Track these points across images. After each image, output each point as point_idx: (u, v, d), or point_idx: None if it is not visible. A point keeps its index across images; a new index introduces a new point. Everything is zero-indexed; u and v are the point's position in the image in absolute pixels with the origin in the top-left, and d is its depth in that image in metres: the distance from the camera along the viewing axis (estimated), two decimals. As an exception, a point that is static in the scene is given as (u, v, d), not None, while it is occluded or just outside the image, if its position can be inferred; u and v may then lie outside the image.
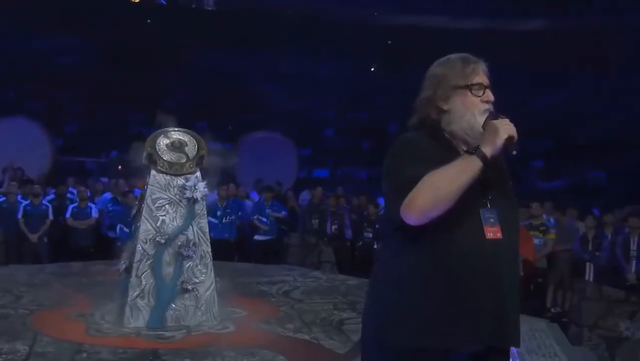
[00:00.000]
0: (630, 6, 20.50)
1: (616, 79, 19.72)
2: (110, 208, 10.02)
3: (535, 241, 9.03)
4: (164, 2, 26.21)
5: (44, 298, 6.05)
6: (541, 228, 9.31)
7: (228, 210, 10.23)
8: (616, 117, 18.19)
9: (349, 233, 10.52)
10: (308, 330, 5.28)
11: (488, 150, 1.95)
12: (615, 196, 13.23)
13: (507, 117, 2.02)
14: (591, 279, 8.68)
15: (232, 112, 20.52)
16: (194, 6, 26.67)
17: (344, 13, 24.53)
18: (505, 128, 1.97)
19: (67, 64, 21.44)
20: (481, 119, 2.06)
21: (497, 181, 2.08)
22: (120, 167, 13.25)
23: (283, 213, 10.59)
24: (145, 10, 25.64)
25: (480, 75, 2.12)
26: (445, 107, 2.12)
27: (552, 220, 9.92)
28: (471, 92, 2.09)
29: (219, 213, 10.13)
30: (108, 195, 10.67)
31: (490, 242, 2.00)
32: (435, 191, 1.93)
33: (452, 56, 2.20)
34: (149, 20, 24.99)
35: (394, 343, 2.04)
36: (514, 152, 1.99)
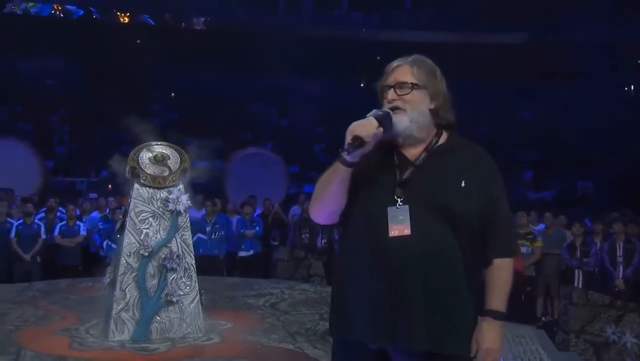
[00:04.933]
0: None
1: (597, 90, 19.96)
2: (100, 227, 10.04)
3: (523, 249, 9.09)
4: (153, 23, 26.35)
5: (30, 315, 6.04)
6: (528, 237, 9.37)
7: (217, 226, 10.26)
8: (598, 127, 18.36)
9: (337, 247, 10.54)
10: (293, 339, 5.30)
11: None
12: (603, 205, 13.34)
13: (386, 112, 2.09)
14: (580, 286, 8.72)
15: (222, 130, 20.60)
16: (183, 26, 26.85)
17: (332, 30, 24.81)
18: (353, 129, 2.02)
19: (56, 86, 21.53)
20: None
21: (424, 179, 2.10)
22: (110, 186, 13.27)
23: (257, 229, 10.59)
24: (134, 30, 25.79)
25: (392, 75, 2.18)
26: None
27: (541, 225, 10.01)
28: (383, 95, 2.19)
29: (207, 229, 10.18)
30: (96, 214, 10.68)
31: (395, 239, 2.04)
32: (316, 192, 2.18)
33: None
34: (138, 41, 25.15)
35: (331, 335, 2.26)
36: (346, 152, 2.01)
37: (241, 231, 10.48)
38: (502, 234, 2.13)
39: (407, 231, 2.04)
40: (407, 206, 2.06)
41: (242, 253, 10.46)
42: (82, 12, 25.23)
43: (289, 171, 18.06)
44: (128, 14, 26.26)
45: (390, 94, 2.15)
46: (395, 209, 2.07)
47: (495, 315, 2.08)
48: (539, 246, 9.33)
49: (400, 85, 2.14)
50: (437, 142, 2.18)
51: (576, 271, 8.95)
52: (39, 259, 9.39)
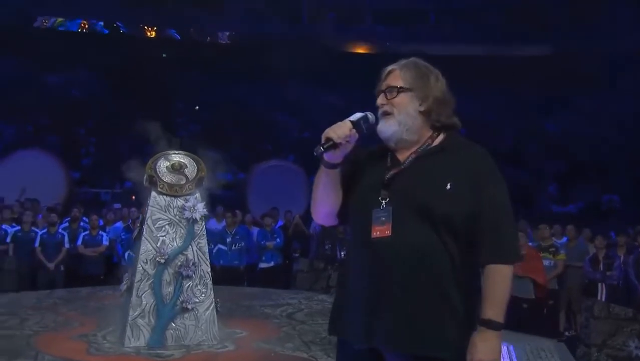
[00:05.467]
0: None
1: (623, 101, 19.69)
2: (123, 237, 10.16)
3: (545, 262, 8.96)
4: (179, 37, 26.77)
5: (50, 321, 6.14)
6: (550, 249, 9.22)
7: (237, 237, 10.34)
8: (624, 138, 18.08)
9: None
10: (307, 348, 5.30)
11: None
12: (629, 218, 13.10)
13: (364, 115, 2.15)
14: (603, 299, 8.57)
15: (244, 142, 20.77)
16: (208, 40, 27.22)
17: (355, 42, 24.92)
18: (325, 132, 2.09)
19: (83, 98, 21.94)
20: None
21: (405, 182, 2.11)
22: (133, 197, 13.44)
23: (277, 241, 10.63)
24: (160, 44, 26.21)
25: (384, 81, 2.22)
26: None
27: (563, 238, 9.87)
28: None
29: (228, 240, 10.26)
30: (120, 224, 10.82)
31: (376, 240, 2.06)
32: (312, 193, 2.25)
33: None
34: (164, 55, 25.55)
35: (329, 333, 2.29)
36: (315, 152, 2.09)
37: (262, 242, 10.55)
38: (497, 239, 2.03)
39: (388, 232, 2.04)
40: (390, 208, 2.07)
41: (262, 265, 10.51)
42: (108, 30, 25.78)
43: (311, 183, 18.08)
44: (155, 28, 26.73)
45: (380, 98, 2.20)
46: (379, 210, 2.09)
47: (489, 325, 1.99)
48: (561, 259, 9.17)
49: (389, 89, 2.18)
50: (430, 144, 2.17)
51: (599, 284, 8.78)
52: (62, 268, 9.58)
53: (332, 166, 2.13)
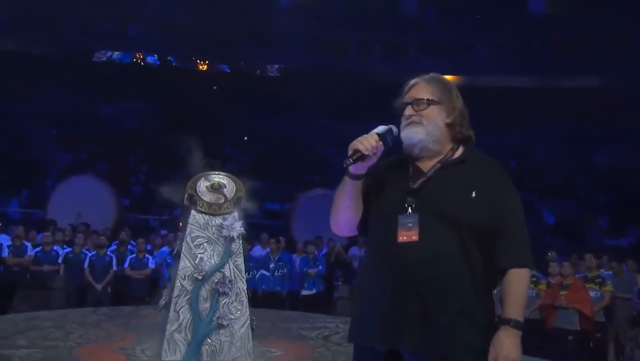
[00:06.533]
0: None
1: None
2: (168, 261, 10.40)
3: (591, 293, 8.73)
4: (228, 70, 27.50)
5: (92, 335, 6.34)
6: (597, 280, 9.00)
7: (280, 263, 10.46)
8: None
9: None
10: (339, 368, 5.31)
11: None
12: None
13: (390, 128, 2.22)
14: (654, 332, 8.29)
15: (291, 173, 21.00)
16: (258, 73, 27.87)
17: (402, 75, 25.01)
18: (355, 143, 2.17)
19: (135, 128, 22.69)
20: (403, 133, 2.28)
21: (431, 190, 2.19)
22: (180, 224, 13.74)
23: (320, 268, 10.68)
24: (212, 77, 26.96)
25: (410, 92, 2.32)
26: None
27: (610, 272, 9.61)
28: (400, 112, 2.31)
29: (271, 266, 10.39)
30: (166, 249, 11.09)
31: (403, 245, 2.12)
32: (332, 204, 2.30)
33: None
34: (215, 87, 26.26)
35: (348, 341, 2.34)
36: (344, 164, 2.17)
37: (304, 269, 10.62)
38: (517, 245, 2.15)
39: (415, 238, 2.12)
40: (416, 214, 2.15)
41: (305, 292, 10.57)
42: (160, 63, 26.71)
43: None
44: (207, 62, 27.56)
45: (408, 110, 2.28)
46: (405, 216, 2.16)
47: (512, 323, 2.07)
48: (608, 290, 8.92)
49: (417, 101, 2.27)
50: (451, 155, 2.27)
51: (648, 316, 8.51)
52: (109, 290, 9.89)
53: (357, 178, 2.22)
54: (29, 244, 10.03)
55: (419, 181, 2.21)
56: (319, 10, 27.53)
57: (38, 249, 9.97)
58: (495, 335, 2.07)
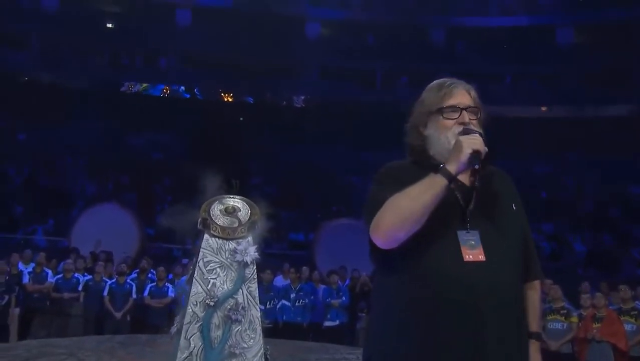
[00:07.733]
0: None
1: None
2: (187, 289, 10.27)
3: (627, 327, 8.35)
4: (252, 101, 27.75)
5: (105, 362, 6.21)
6: (632, 313, 8.60)
7: (301, 293, 10.28)
8: None
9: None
10: (356, 399, 5.07)
11: (452, 167, 1.90)
12: None
13: (482, 134, 1.97)
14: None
15: (317, 203, 20.91)
16: (284, 104, 28.08)
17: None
18: (470, 143, 1.90)
19: (162, 159, 22.92)
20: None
21: (486, 204, 2.00)
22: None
23: (343, 299, 10.46)
24: (237, 108, 27.21)
25: (455, 97, 2.09)
26: (425, 132, 2.12)
27: (645, 302, 9.20)
28: (442, 116, 2.07)
29: (292, 296, 10.20)
30: (186, 277, 10.98)
31: (470, 265, 1.88)
32: (398, 210, 1.90)
33: (435, 81, 2.21)
34: (241, 118, 26.47)
35: None
36: (476, 166, 1.93)
37: (327, 300, 10.41)
38: (537, 256, 2.11)
39: (482, 257, 1.90)
40: (477, 231, 1.94)
41: (327, 323, 10.36)
42: (188, 94, 27.12)
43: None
44: (232, 94, 27.87)
45: (467, 115, 2.06)
46: (465, 233, 1.95)
47: (539, 337, 2.04)
48: (645, 323, 8.51)
49: (472, 109, 2.09)
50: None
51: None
52: (128, 318, 9.79)
53: (453, 181, 1.95)
54: (49, 271, 10.06)
55: (469, 195, 2.01)
56: (345, 42, 27.73)
57: (59, 276, 10.04)
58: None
